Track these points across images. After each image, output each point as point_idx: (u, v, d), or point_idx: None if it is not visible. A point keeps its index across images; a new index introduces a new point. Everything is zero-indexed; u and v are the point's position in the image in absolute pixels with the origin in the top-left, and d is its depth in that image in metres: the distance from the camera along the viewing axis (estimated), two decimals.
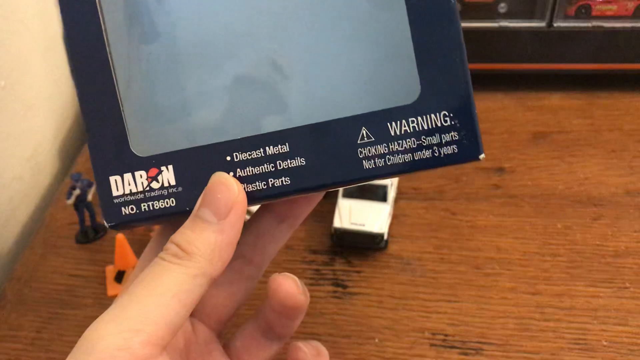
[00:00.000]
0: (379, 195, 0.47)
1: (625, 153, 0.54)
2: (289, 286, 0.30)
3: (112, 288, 0.46)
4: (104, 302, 0.45)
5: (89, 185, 0.49)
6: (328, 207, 0.50)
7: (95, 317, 0.43)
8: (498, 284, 0.45)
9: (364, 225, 0.46)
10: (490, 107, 0.60)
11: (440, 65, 0.26)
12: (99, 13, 0.27)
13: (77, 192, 0.48)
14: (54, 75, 0.62)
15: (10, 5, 0.54)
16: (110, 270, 0.47)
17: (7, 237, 0.53)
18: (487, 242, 0.48)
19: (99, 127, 0.28)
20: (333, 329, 0.43)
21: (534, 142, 0.56)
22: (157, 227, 0.34)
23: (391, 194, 0.49)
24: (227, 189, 0.26)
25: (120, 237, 0.45)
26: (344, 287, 0.45)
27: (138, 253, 0.47)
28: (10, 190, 0.53)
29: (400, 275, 0.46)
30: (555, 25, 0.59)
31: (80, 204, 0.49)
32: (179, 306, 0.25)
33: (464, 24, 0.64)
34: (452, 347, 0.41)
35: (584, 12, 0.58)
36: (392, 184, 0.49)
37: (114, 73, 0.27)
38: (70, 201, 0.48)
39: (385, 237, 0.47)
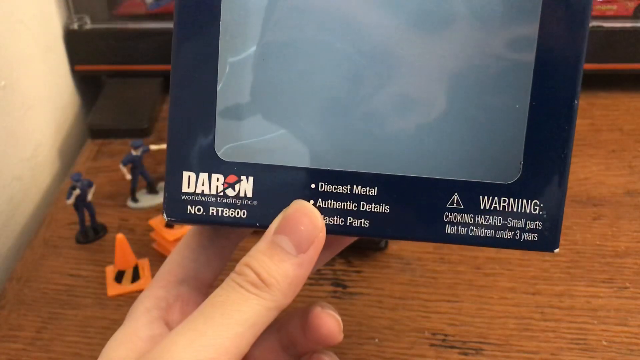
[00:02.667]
0: None
1: (625, 153, 0.54)
2: (332, 326, 0.30)
3: (112, 288, 0.46)
4: (104, 302, 0.45)
5: (89, 185, 0.49)
6: None
7: (95, 317, 0.44)
8: (498, 284, 0.45)
9: None
10: None
11: (546, 157, 0.26)
12: (219, 12, 0.26)
13: (77, 192, 0.48)
14: (54, 75, 0.62)
15: (10, 5, 0.54)
16: (110, 271, 0.47)
17: (7, 237, 0.53)
18: None
19: (185, 119, 0.27)
20: None
21: None
22: None
23: None
24: (311, 222, 0.26)
25: (120, 237, 0.45)
26: (344, 287, 0.45)
27: (138, 253, 0.47)
28: (10, 190, 0.53)
29: (400, 275, 0.46)
30: None
31: (80, 204, 0.49)
32: (251, 337, 0.25)
33: None
34: (452, 347, 0.41)
35: None
36: None
37: (218, 70, 0.26)
38: (70, 201, 0.48)
39: None
